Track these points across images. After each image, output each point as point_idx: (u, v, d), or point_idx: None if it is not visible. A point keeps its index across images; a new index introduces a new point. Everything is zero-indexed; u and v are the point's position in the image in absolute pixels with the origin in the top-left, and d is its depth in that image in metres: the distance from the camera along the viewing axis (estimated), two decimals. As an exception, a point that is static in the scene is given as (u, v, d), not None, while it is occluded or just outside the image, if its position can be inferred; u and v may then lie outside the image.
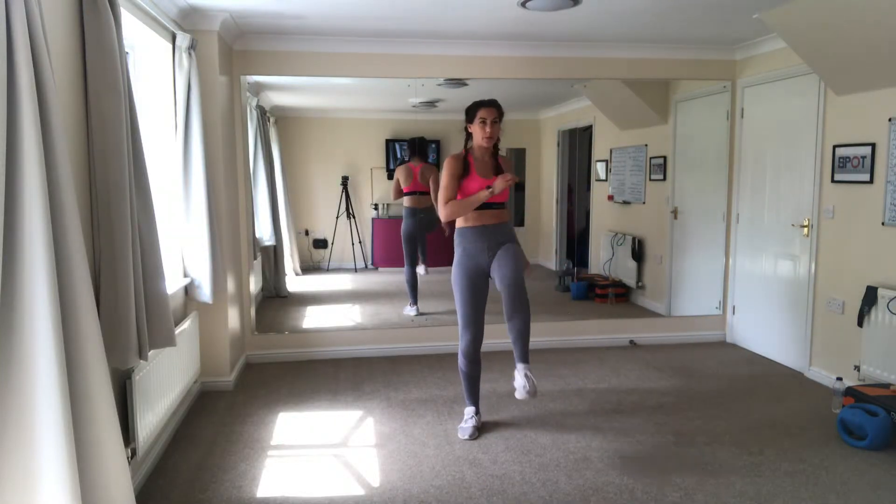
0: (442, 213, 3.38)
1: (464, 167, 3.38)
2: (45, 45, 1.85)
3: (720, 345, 5.31)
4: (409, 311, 5.74)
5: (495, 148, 3.48)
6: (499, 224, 3.42)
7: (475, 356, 3.48)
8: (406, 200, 5.85)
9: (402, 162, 6.06)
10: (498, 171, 3.43)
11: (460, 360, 3.50)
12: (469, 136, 3.45)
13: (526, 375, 3.22)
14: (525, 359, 3.25)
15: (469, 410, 3.56)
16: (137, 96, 2.99)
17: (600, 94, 5.96)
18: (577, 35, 4.58)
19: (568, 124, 6.61)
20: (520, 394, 3.23)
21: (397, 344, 5.04)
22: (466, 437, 3.42)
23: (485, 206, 3.37)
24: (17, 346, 1.74)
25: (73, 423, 1.86)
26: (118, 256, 2.41)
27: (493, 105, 3.38)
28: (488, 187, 3.29)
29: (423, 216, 5.79)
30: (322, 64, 4.67)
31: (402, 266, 5.84)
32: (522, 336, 3.26)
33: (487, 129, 3.33)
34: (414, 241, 5.84)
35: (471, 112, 3.40)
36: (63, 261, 1.89)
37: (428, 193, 5.80)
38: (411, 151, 5.96)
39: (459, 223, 3.44)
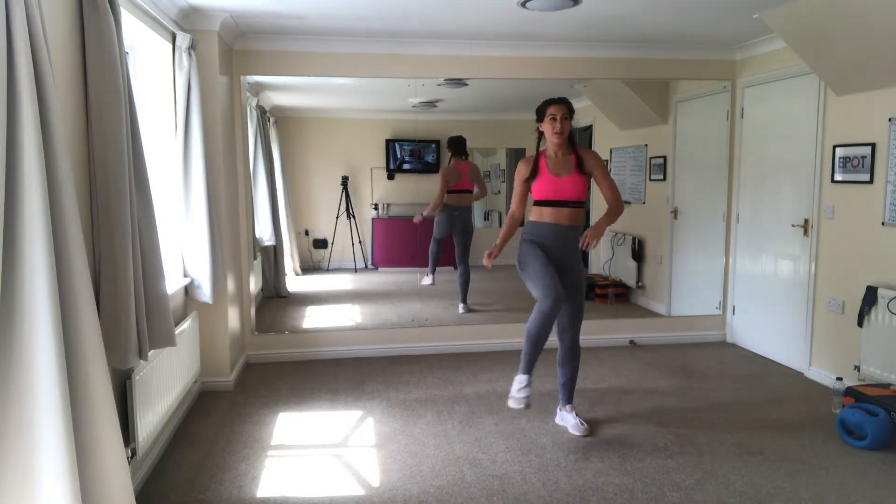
0: (512, 210, 3.49)
1: (533, 169, 3.40)
2: (45, 45, 1.85)
3: (720, 345, 5.31)
4: (427, 280, 5.81)
5: (572, 143, 3.45)
6: (572, 227, 3.40)
7: (551, 320, 3.22)
8: (448, 197, 5.82)
9: (448, 162, 6.02)
10: (580, 164, 3.37)
11: (532, 322, 3.23)
12: (541, 136, 3.47)
13: (577, 415, 3.53)
14: (572, 399, 3.60)
15: (523, 378, 3.28)
16: (137, 96, 2.99)
17: (600, 94, 5.96)
18: (577, 35, 4.58)
19: (568, 124, 6.60)
20: (580, 431, 3.46)
21: (397, 344, 5.04)
22: (521, 406, 3.26)
23: (558, 203, 3.36)
24: (17, 346, 1.74)
25: (73, 423, 1.86)
26: (118, 256, 2.41)
27: (562, 102, 3.39)
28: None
29: (459, 214, 5.82)
30: (322, 64, 4.67)
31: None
32: (575, 377, 3.57)
33: (557, 125, 3.33)
34: (439, 243, 5.86)
35: (540, 111, 3.43)
36: (63, 261, 1.89)
37: (471, 192, 5.90)
38: (455, 150, 5.94)
39: (533, 217, 3.44)
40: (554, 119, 3.35)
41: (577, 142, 3.51)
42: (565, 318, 3.44)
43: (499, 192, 6.94)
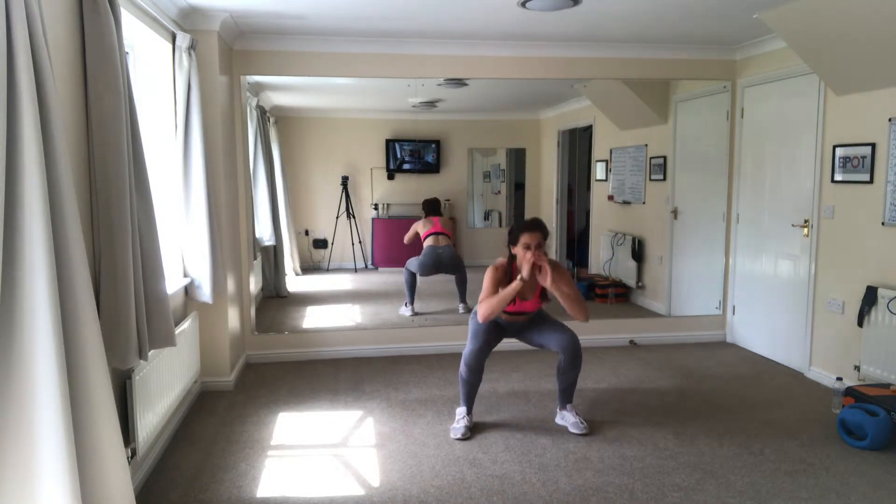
0: (480, 311, 3.37)
1: (506, 277, 3.40)
2: (45, 45, 1.85)
3: (720, 345, 5.31)
4: (405, 311, 5.74)
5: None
6: (530, 317, 3.59)
7: (478, 366, 3.47)
8: (428, 240, 5.84)
9: (424, 217, 6.03)
10: (544, 290, 3.45)
11: (462, 368, 3.50)
12: (512, 256, 3.43)
13: (576, 414, 3.56)
14: (572, 399, 3.64)
15: (461, 410, 3.56)
16: (137, 96, 2.99)
17: (600, 94, 5.96)
18: (577, 35, 4.58)
19: (568, 124, 6.60)
20: (579, 430, 3.48)
21: (397, 344, 5.04)
22: (458, 436, 3.42)
23: (515, 314, 3.51)
24: (17, 346, 1.74)
25: (73, 423, 1.86)
26: (118, 257, 2.41)
27: (536, 229, 3.33)
28: (521, 278, 3.29)
29: (443, 251, 5.80)
30: (322, 64, 4.67)
31: (402, 266, 5.84)
32: (575, 383, 3.60)
33: (529, 255, 3.28)
34: (428, 270, 5.82)
35: (513, 234, 3.39)
36: (63, 261, 1.89)
37: (448, 235, 5.89)
38: (429, 211, 5.97)
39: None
40: (528, 248, 3.30)
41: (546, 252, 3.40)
42: (562, 340, 3.46)
43: (499, 191, 6.95)
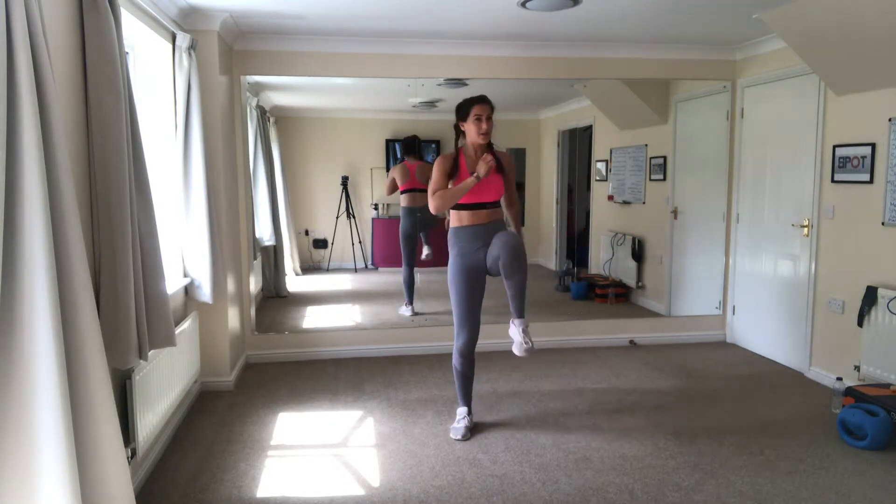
0: (431, 204, 3.34)
1: (454, 166, 3.36)
2: (45, 45, 1.85)
3: (720, 345, 5.31)
4: (405, 311, 5.74)
5: (489, 144, 3.41)
6: (492, 222, 3.39)
7: (470, 356, 3.48)
8: (403, 199, 5.79)
9: (399, 161, 6.04)
10: (499, 165, 3.37)
11: (455, 359, 3.50)
12: (460, 134, 3.42)
13: (524, 331, 3.29)
14: (522, 314, 3.31)
15: (462, 411, 3.55)
16: (137, 96, 2.99)
17: (600, 94, 5.96)
18: (577, 35, 4.58)
19: (568, 124, 6.60)
20: (518, 350, 3.31)
21: (397, 344, 5.04)
22: (459, 437, 3.42)
23: (477, 206, 3.35)
24: (17, 346, 1.74)
25: (73, 423, 1.86)
26: (118, 256, 2.41)
27: (485, 101, 3.34)
28: (475, 175, 3.26)
29: (421, 215, 5.74)
30: (322, 64, 4.67)
31: (402, 266, 5.83)
32: (521, 291, 3.28)
33: (483, 126, 3.29)
34: (412, 239, 5.80)
35: (463, 109, 3.36)
36: (63, 261, 1.89)
37: (425, 191, 5.74)
38: (406, 150, 5.93)
39: (453, 223, 3.41)
40: (479, 119, 3.29)
41: (493, 143, 3.43)
42: (500, 250, 3.21)
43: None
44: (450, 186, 3.35)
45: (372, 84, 5.47)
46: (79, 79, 2.43)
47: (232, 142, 4.45)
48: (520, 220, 3.41)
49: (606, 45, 4.86)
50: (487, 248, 3.33)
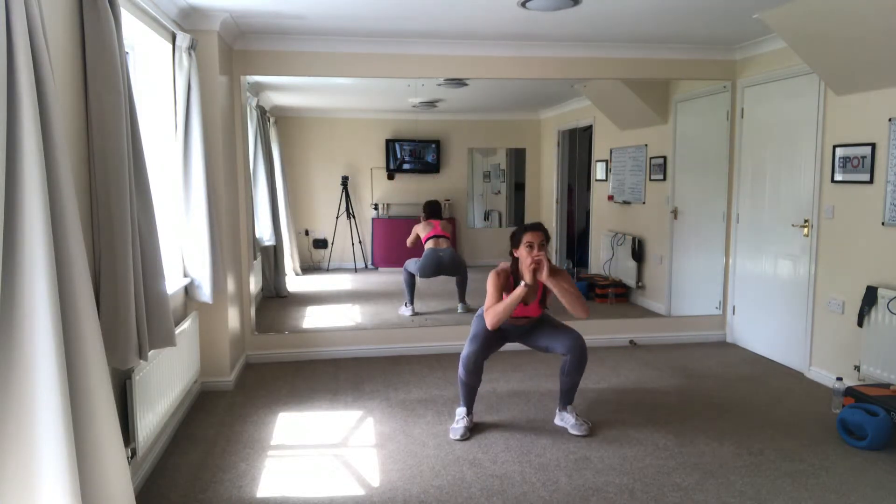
0: (487, 320, 3.40)
1: (508, 282, 3.43)
2: (45, 45, 1.85)
3: (720, 345, 5.31)
4: (405, 311, 5.74)
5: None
6: (528, 326, 3.58)
7: (475, 369, 3.45)
8: (429, 243, 5.85)
9: (424, 219, 6.04)
10: (544, 293, 3.48)
11: (460, 370, 3.48)
12: (515, 260, 3.46)
13: (577, 415, 3.56)
14: (573, 401, 3.64)
15: (461, 411, 3.55)
16: (137, 96, 2.99)
17: (600, 94, 5.96)
18: (577, 35, 4.58)
19: (568, 124, 6.61)
20: (580, 431, 3.48)
21: (397, 344, 5.04)
22: (458, 437, 3.41)
23: (520, 318, 3.50)
24: (17, 346, 1.74)
25: (73, 423, 1.86)
26: (118, 256, 2.41)
27: (539, 229, 3.38)
28: (524, 284, 3.31)
29: (444, 254, 5.80)
30: (322, 64, 4.67)
31: (402, 266, 5.84)
32: (576, 387, 3.58)
33: (534, 254, 3.32)
34: (413, 276, 5.82)
35: (516, 237, 3.42)
36: (63, 261, 1.89)
37: (448, 237, 5.91)
38: (431, 213, 5.98)
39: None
40: (531, 247, 3.34)
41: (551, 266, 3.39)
42: (568, 341, 3.45)
43: (499, 191, 6.95)
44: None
45: (372, 84, 5.47)
46: (79, 79, 2.43)
47: (232, 142, 4.45)
48: (579, 298, 3.40)
49: (606, 45, 4.86)
50: (520, 336, 3.61)
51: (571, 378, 3.51)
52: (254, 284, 5.01)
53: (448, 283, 5.93)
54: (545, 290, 3.48)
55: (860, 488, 2.91)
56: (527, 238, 3.34)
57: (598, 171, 6.56)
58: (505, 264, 3.50)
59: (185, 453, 3.27)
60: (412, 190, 6.44)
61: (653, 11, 3.95)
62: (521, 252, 3.37)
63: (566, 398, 3.58)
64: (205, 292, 3.80)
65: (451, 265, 5.83)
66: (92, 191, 2.47)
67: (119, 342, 2.44)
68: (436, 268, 5.81)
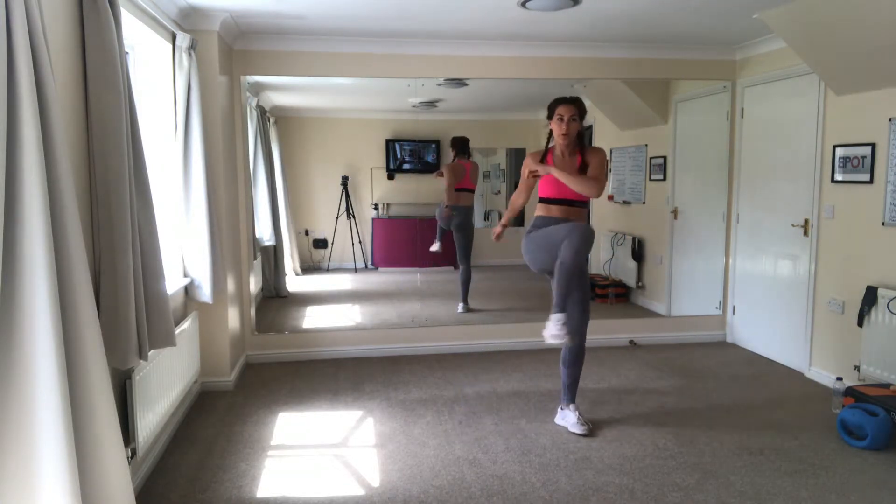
0: (514, 201, 3.63)
1: (540, 163, 3.44)
2: (45, 45, 1.85)
3: (720, 345, 5.31)
4: (434, 246, 5.88)
5: (580, 143, 3.45)
6: (567, 220, 3.39)
7: (539, 273, 3.52)
8: (454, 197, 5.85)
9: (453, 160, 6.04)
10: (583, 166, 3.41)
11: (568, 258, 3.22)
12: (551, 133, 3.47)
13: (579, 414, 3.51)
14: (575, 399, 3.59)
15: (562, 316, 3.21)
16: (137, 96, 2.99)
17: (600, 94, 5.96)
18: (577, 35, 4.58)
19: (568, 124, 6.60)
20: (580, 430, 3.45)
21: (397, 344, 5.04)
22: (560, 341, 3.19)
23: (564, 202, 3.41)
24: (17, 346, 1.74)
25: (73, 423, 1.86)
26: (118, 256, 2.41)
27: (572, 102, 3.39)
28: (531, 174, 3.41)
29: (457, 213, 5.84)
30: (322, 64, 4.67)
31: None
32: (577, 381, 3.59)
33: (564, 126, 3.34)
34: (467, 231, 5.85)
35: (551, 109, 3.43)
36: (63, 261, 1.89)
37: (473, 192, 5.96)
38: (459, 150, 5.98)
39: (539, 212, 3.52)
40: (561, 119, 3.36)
41: (585, 142, 3.51)
42: (573, 320, 3.40)
43: (499, 192, 6.94)
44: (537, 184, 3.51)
45: (372, 84, 5.47)
46: (79, 78, 2.43)
47: (232, 142, 4.45)
48: (585, 189, 3.34)
49: (606, 45, 4.86)
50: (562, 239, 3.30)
51: (570, 369, 3.53)
52: (254, 284, 5.01)
53: (448, 283, 5.93)
54: (583, 165, 3.40)
55: (860, 488, 2.91)
56: (559, 111, 3.36)
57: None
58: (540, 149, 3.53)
59: (185, 453, 3.27)
60: (412, 190, 6.44)
61: (653, 11, 3.95)
62: (553, 125, 3.40)
63: (569, 393, 3.57)
64: (205, 292, 3.80)
65: (460, 227, 5.84)
66: (92, 191, 2.47)
67: (119, 342, 2.44)
68: (447, 224, 5.89)
